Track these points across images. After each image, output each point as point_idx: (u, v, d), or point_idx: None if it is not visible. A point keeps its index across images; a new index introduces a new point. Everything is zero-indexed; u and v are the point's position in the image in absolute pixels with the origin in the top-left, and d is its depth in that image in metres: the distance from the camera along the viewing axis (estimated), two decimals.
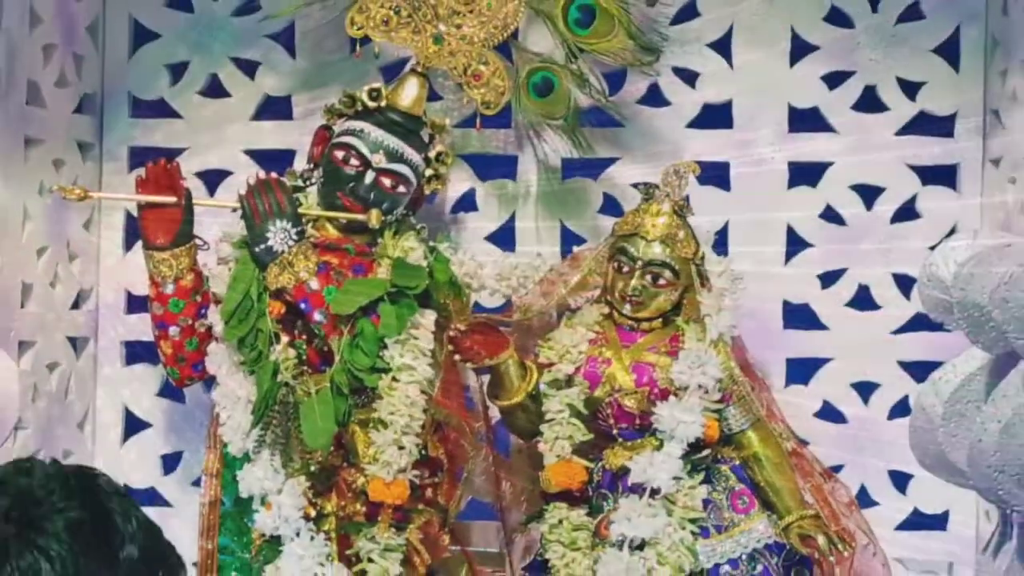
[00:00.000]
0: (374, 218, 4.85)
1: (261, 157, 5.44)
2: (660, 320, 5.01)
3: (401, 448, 4.78)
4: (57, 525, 2.61)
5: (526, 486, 5.24)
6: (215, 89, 5.53)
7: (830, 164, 5.46)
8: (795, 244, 5.48)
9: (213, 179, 5.46)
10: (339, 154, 4.92)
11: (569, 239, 5.49)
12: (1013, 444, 3.76)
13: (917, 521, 5.45)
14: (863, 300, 5.47)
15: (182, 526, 5.23)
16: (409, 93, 5.01)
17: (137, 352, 5.53)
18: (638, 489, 4.85)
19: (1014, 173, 5.11)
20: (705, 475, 4.96)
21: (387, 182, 4.92)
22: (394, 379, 4.80)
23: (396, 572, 4.82)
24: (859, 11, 5.44)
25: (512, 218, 5.53)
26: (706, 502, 4.94)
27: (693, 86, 5.49)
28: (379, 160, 4.90)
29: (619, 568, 4.76)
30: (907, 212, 5.46)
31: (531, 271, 5.15)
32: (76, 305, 5.47)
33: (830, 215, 5.48)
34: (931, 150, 5.44)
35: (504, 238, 5.51)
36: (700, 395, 4.87)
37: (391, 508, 4.82)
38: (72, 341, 5.45)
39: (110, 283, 5.55)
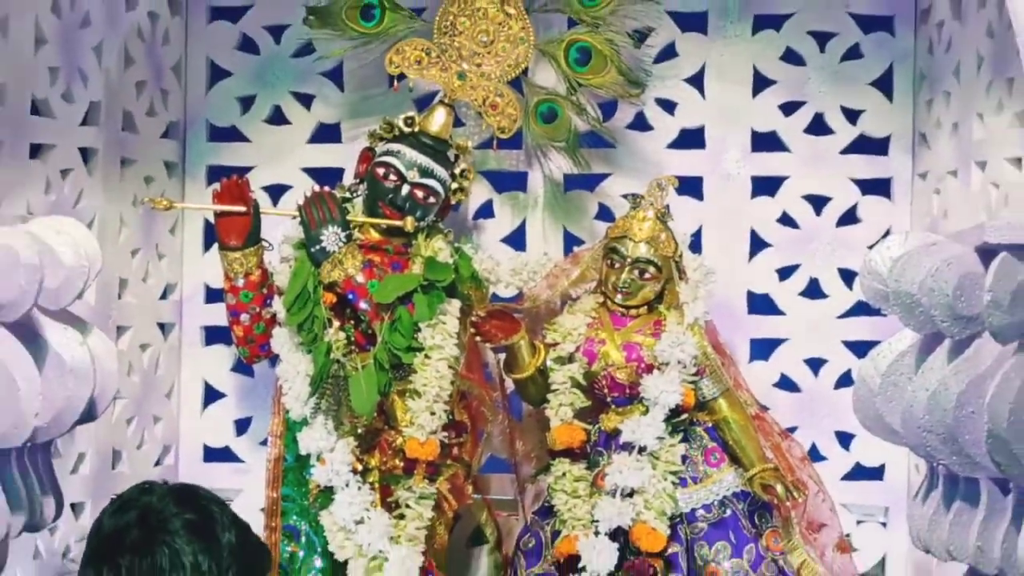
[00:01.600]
0: (409, 224, 4.82)
1: (315, 174, 5.40)
2: (646, 307, 4.97)
3: (432, 414, 4.78)
4: (175, 525, 2.88)
5: (535, 445, 5.19)
6: (277, 118, 5.50)
7: (786, 178, 5.42)
8: (757, 244, 5.44)
9: (276, 192, 5.42)
10: (380, 171, 4.89)
11: (570, 241, 5.45)
12: (938, 409, 3.72)
13: (858, 473, 5.41)
14: (813, 290, 5.43)
15: (252, 479, 5.21)
16: (438, 120, 4.98)
17: (214, 335, 5.49)
18: (628, 447, 4.84)
19: (938, 185, 5.08)
20: (683, 435, 4.93)
21: (420, 194, 4.89)
22: (426, 356, 4.79)
23: (428, 516, 4.80)
24: (810, 52, 5.39)
25: (523, 223, 5.49)
26: (684, 457, 4.91)
27: (672, 114, 5.45)
28: (413, 176, 4.87)
29: (612, 512, 4.73)
30: (849, 217, 5.42)
31: (539, 267, 5.13)
32: (164, 296, 5.45)
33: (786, 220, 5.44)
34: (869, 166, 5.40)
35: (516, 240, 5.47)
36: (679, 369, 4.85)
37: (424, 463, 4.80)
38: (160, 326, 5.43)
39: (191, 278, 5.51)
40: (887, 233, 5.23)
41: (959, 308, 3.69)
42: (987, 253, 3.69)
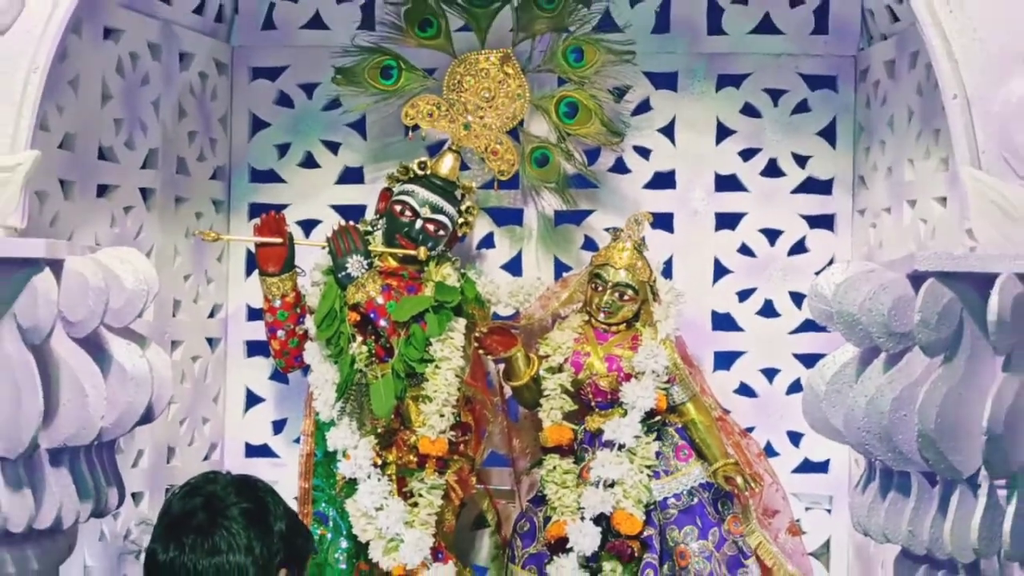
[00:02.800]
0: (422, 253, 4.84)
1: (341, 210, 5.37)
2: (624, 325, 4.98)
3: (441, 416, 4.79)
4: (234, 512, 2.98)
5: (530, 442, 5.18)
6: (309, 162, 5.47)
7: (745, 214, 5.39)
8: (720, 271, 5.40)
9: (307, 226, 5.38)
10: (397, 208, 4.89)
11: (560, 268, 5.41)
12: (875, 412, 3.73)
13: (806, 466, 5.37)
14: (768, 310, 5.40)
15: (287, 472, 5.18)
16: (447, 164, 4.99)
17: (255, 348, 5.46)
18: (610, 444, 4.85)
19: (874, 220, 5.06)
20: (657, 434, 4.93)
21: (431, 227, 4.89)
22: (436, 367, 4.79)
23: (438, 504, 4.80)
24: (765, 106, 5.37)
25: (519, 253, 5.45)
26: (657, 453, 4.92)
27: (647, 159, 5.42)
28: (426, 212, 4.87)
29: (596, 500, 4.74)
30: (798, 248, 5.38)
31: (533, 290, 5.13)
32: (211, 315, 5.42)
33: (744, 250, 5.40)
34: (815, 204, 5.37)
35: (514, 267, 5.43)
36: (653, 378, 4.86)
37: (435, 458, 4.81)
38: (209, 340, 5.39)
39: (235, 299, 5.47)
40: (831, 261, 5.23)
41: (893, 326, 3.70)
42: (917, 279, 3.70)
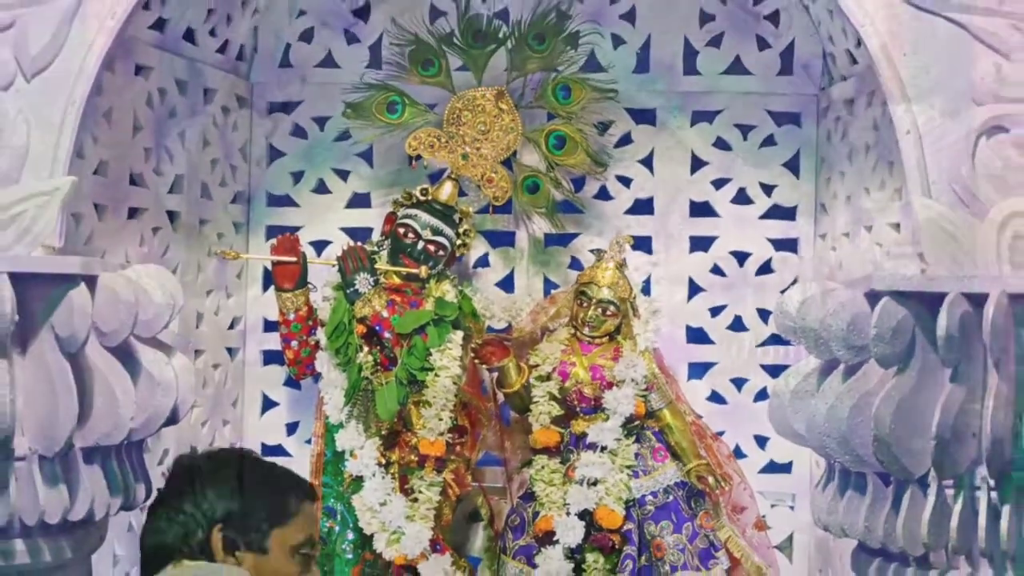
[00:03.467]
0: (423, 271, 4.86)
1: (350, 232, 5.36)
2: (607, 337, 4.98)
3: (440, 419, 4.81)
4: (181, 471, 2.75)
5: (520, 444, 5.16)
6: (321, 188, 5.47)
7: (716, 237, 5.40)
8: (694, 289, 5.41)
9: (319, 246, 5.38)
10: (401, 230, 4.91)
11: (549, 285, 5.42)
12: (835, 419, 3.74)
13: (771, 467, 5.38)
14: (737, 325, 5.40)
15: (299, 470, 4.94)
16: (446, 191, 5.00)
17: (270, 357, 5.44)
18: (593, 446, 4.86)
19: (834, 244, 5.07)
20: (636, 437, 4.94)
21: (432, 248, 4.91)
22: (436, 375, 4.80)
23: (436, 499, 4.81)
24: (735, 140, 5.37)
25: (512, 272, 5.45)
26: (636, 455, 4.92)
27: (628, 187, 5.42)
28: (427, 234, 4.89)
29: (581, 497, 4.76)
30: (765, 269, 5.39)
31: (524, 306, 5.15)
32: (231, 327, 5.41)
33: (716, 270, 5.40)
34: (781, 229, 5.38)
35: (507, 284, 5.44)
36: (633, 386, 4.87)
37: (434, 458, 4.82)
38: (229, 350, 5.39)
39: (253, 313, 5.46)
40: (795, 281, 5.23)
41: (851, 340, 3.71)
42: (873, 297, 3.71)
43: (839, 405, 3.72)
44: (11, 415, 3.73)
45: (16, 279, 3.71)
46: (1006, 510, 3.65)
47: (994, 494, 3.68)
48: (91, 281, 3.81)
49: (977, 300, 3.63)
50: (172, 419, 4.00)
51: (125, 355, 3.88)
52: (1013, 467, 3.63)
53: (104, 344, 3.83)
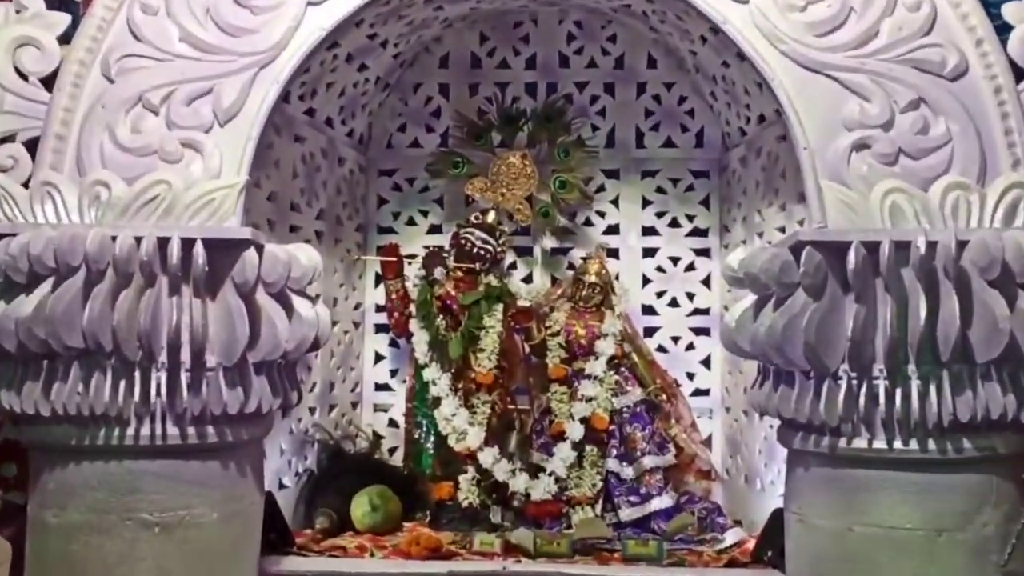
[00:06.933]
0: (477, 267, 4.13)
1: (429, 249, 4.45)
2: (595, 308, 4.14)
3: (490, 360, 4.05)
4: None
5: (541, 378, 4.23)
6: (411, 222, 4.56)
7: (658, 248, 4.49)
8: (646, 280, 4.50)
9: (410, 259, 4.36)
10: (462, 241, 4.14)
11: (555, 279, 4.48)
12: (772, 334, 2.87)
13: (696, 393, 4.38)
14: (674, 303, 4.47)
15: (398, 398, 4.33)
16: (490, 216, 4.23)
17: (379, 328, 4.49)
18: (589, 377, 4.07)
19: (734, 249, 4.16)
20: (615, 370, 4.10)
21: (482, 252, 4.14)
22: (486, 331, 4.05)
23: (487, 413, 4.04)
24: (669, 187, 4.49)
25: (531, 272, 4.54)
26: (616, 381, 4.09)
27: (603, 218, 4.51)
28: (479, 243, 4.14)
29: (581, 409, 4.02)
30: (689, 267, 4.48)
31: (541, 290, 4.33)
32: (356, 308, 4.48)
33: (659, 269, 4.49)
34: (698, 242, 4.48)
35: (527, 280, 4.50)
36: (613, 337, 4.09)
37: (486, 386, 4.06)
38: (354, 323, 4.46)
39: (369, 299, 4.52)
40: (709, 275, 4.44)
41: (782, 279, 2.84)
42: (794, 250, 2.85)
43: (775, 325, 2.85)
44: (203, 337, 2.86)
45: (208, 244, 2.90)
46: (898, 392, 2.75)
47: (887, 382, 2.77)
48: (259, 248, 2.97)
49: (870, 247, 2.77)
50: (315, 346, 3.09)
51: (283, 300, 3.00)
52: (902, 362, 2.74)
53: (268, 291, 2.97)
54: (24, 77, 3.13)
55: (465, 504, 3.94)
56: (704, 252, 4.51)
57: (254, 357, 2.94)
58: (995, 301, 2.72)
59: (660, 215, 4.54)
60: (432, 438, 4.07)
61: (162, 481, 2.88)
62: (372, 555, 3.53)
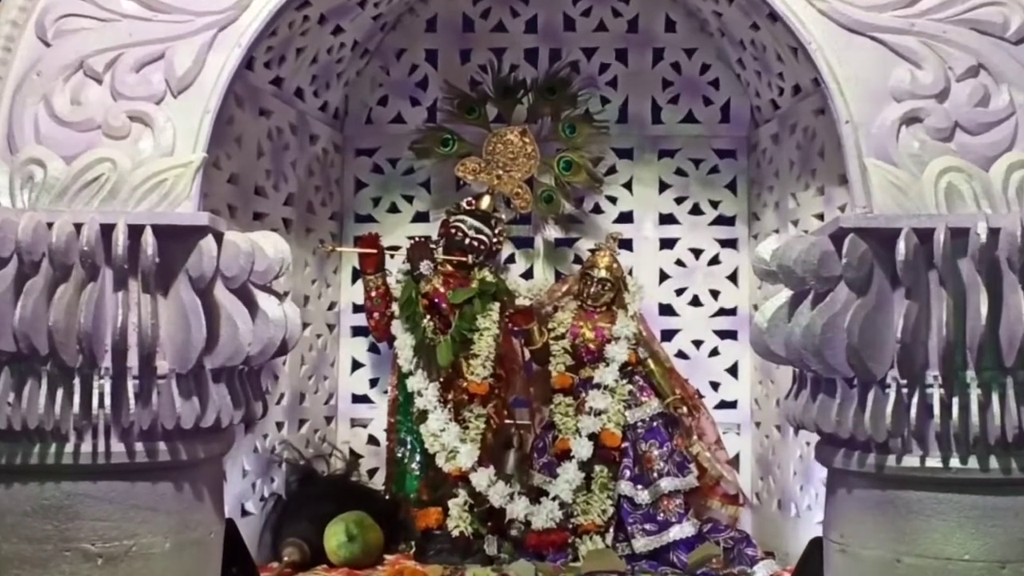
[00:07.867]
0: (470, 260, 4.13)
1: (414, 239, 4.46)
2: (605, 306, 4.15)
3: (484, 367, 4.05)
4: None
5: (543, 388, 4.25)
6: (393, 209, 4.56)
7: (678, 239, 4.50)
8: (664, 276, 4.50)
9: (392, 251, 4.36)
10: (452, 230, 4.15)
11: (559, 274, 4.49)
12: (810, 335, 2.84)
13: (722, 405, 4.39)
14: (695, 302, 4.48)
15: (379, 411, 4.33)
16: (485, 202, 4.25)
17: (358, 331, 4.50)
18: (598, 386, 4.08)
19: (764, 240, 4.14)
20: (629, 379, 4.11)
21: (475, 243, 4.15)
22: (480, 334, 4.05)
23: (481, 428, 4.03)
24: (690, 169, 4.51)
25: (531, 267, 4.55)
26: (630, 392, 4.11)
27: (615, 204, 4.53)
28: (472, 233, 4.14)
29: (590, 424, 4.03)
30: (714, 261, 4.48)
31: (543, 287, 4.32)
32: (330, 308, 4.49)
33: (679, 262, 4.50)
34: (724, 232, 4.48)
35: (527, 276, 4.51)
36: (625, 341, 4.09)
37: (479, 396, 4.04)
38: (328, 325, 4.46)
39: (345, 298, 4.53)
40: (736, 269, 4.44)
41: (821, 272, 2.83)
42: (835, 239, 2.84)
43: (813, 325, 2.83)
44: (154, 340, 2.84)
45: (158, 231, 2.86)
46: (955, 402, 2.73)
47: (942, 390, 2.75)
48: (218, 236, 2.94)
49: (922, 235, 2.76)
50: (283, 350, 3.07)
51: (245, 297, 2.97)
52: (960, 367, 2.73)
53: (228, 287, 2.94)
54: None
55: (455, 533, 3.91)
56: (730, 243, 4.48)
57: (212, 363, 2.90)
58: None
59: (680, 201, 4.51)
60: (418, 457, 4.05)
61: (106, 506, 2.86)
62: None
